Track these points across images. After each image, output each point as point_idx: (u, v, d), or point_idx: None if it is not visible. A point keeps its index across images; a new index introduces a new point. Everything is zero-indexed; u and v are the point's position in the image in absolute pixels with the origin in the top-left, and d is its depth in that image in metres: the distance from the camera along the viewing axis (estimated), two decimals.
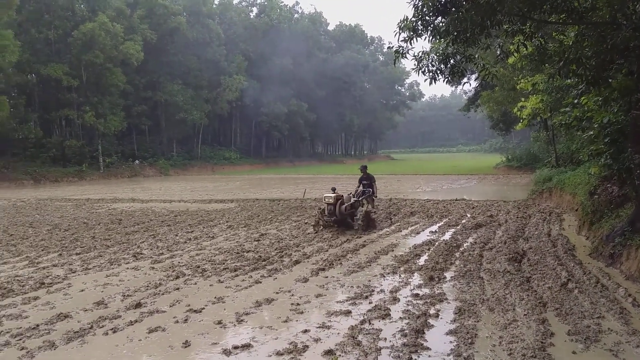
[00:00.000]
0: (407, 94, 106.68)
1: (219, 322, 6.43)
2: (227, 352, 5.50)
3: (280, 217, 16.66)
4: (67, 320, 6.65)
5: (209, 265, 9.66)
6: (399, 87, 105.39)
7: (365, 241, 12.06)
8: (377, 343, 5.59)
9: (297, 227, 14.52)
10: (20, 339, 5.97)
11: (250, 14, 77.33)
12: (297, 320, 6.48)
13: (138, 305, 7.16)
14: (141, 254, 11.06)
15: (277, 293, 7.74)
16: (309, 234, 13.23)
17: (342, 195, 13.61)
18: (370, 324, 6.23)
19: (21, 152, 46.41)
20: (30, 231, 14.76)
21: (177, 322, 6.50)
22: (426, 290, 7.65)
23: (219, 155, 66.22)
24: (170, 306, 7.16)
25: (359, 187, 14.99)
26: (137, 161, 54.32)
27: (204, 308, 7.03)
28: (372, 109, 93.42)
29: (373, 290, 7.72)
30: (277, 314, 6.73)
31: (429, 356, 5.30)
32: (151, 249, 11.58)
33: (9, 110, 39.15)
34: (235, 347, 5.59)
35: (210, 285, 8.33)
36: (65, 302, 7.54)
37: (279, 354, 5.41)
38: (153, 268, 9.64)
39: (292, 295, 7.64)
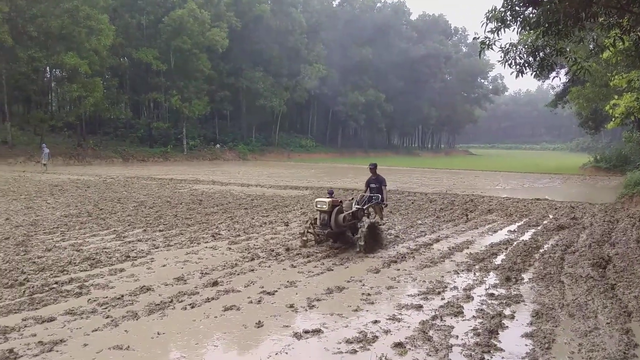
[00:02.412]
0: (490, 87, 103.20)
1: (291, 306, 6.57)
2: (297, 336, 5.60)
3: None
4: (149, 293, 7.03)
5: (282, 250, 9.87)
6: (482, 80, 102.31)
7: (439, 236, 11.87)
8: (449, 340, 5.51)
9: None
10: (106, 308, 6.36)
11: (333, 2, 77.48)
12: (367, 310, 6.49)
13: (215, 283, 7.45)
14: (219, 234, 11.47)
15: (348, 282, 7.79)
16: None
17: (341, 201, 10.60)
18: (442, 320, 6.14)
19: (112, 131, 49.50)
20: (118, 207, 15.64)
21: (251, 302, 6.70)
22: (502, 291, 7.43)
23: (295, 143, 67.38)
24: (245, 286, 7.38)
25: (365, 191, 12.28)
26: (218, 145, 56.15)
27: (276, 291, 7.20)
28: (452, 102, 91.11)
29: (446, 287, 7.60)
30: (348, 303, 6.77)
31: (502, 357, 5.15)
32: (229, 230, 11.98)
33: (102, 91, 41.39)
34: (306, 332, 5.68)
35: (283, 269, 8.51)
36: (148, 275, 7.97)
37: (348, 342, 5.44)
38: (230, 249, 9.98)
39: (363, 285, 7.66)
